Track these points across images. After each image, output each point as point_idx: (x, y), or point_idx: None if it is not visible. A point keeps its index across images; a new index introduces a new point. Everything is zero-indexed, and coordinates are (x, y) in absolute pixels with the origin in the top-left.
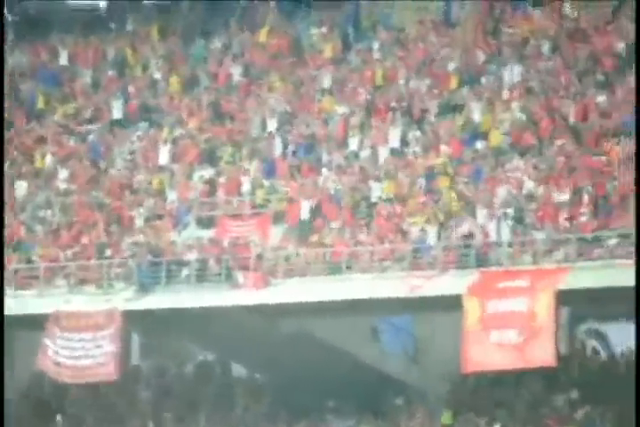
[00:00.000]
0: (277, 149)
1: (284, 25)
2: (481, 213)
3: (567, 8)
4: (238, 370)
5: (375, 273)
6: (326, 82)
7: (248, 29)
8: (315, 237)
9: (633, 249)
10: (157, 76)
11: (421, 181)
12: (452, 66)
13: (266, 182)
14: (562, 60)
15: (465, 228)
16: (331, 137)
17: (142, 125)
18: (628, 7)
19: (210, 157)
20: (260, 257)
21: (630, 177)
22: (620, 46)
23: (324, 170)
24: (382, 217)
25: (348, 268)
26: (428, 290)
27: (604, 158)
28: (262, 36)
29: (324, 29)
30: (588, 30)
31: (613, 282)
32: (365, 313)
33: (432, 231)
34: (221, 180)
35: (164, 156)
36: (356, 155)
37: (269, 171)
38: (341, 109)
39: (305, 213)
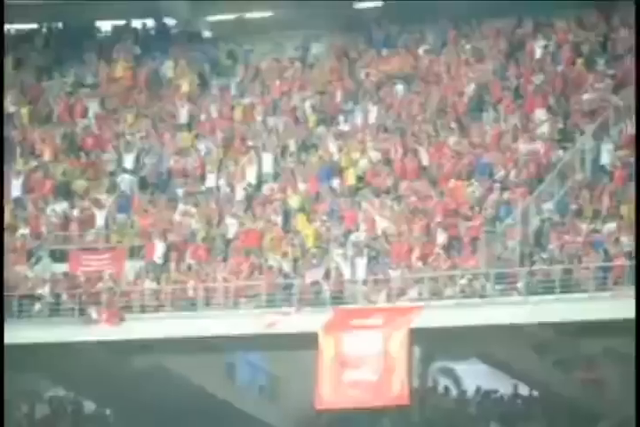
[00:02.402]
0: (133, 183)
1: (142, 59)
2: (336, 251)
3: (421, 51)
4: (90, 406)
5: (231, 310)
6: (183, 117)
7: (104, 62)
8: (170, 273)
9: (486, 287)
10: (11, 107)
11: (278, 218)
12: (308, 104)
13: (121, 217)
14: (416, 101)
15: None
16: (187, 172)
17: None
18: (478, 51)
19: (64, 191)
20: (114, 292)
21: (481, 220)
22: (472, 88)
23: (180, 205)
24: (238, 253)
25: (203, 304)
26: (284, 327)
27: (456, 199)
28: (118, 69)
29: (181, 64)
30: (442, 73)
31: (465, 321)
32: (221, 350)
33: (288, 268)
34: (75, 213)
35: (16, 188)
36: (212, 191)
37: (125, 205)
38: (199, 145)
39: (160, 249)
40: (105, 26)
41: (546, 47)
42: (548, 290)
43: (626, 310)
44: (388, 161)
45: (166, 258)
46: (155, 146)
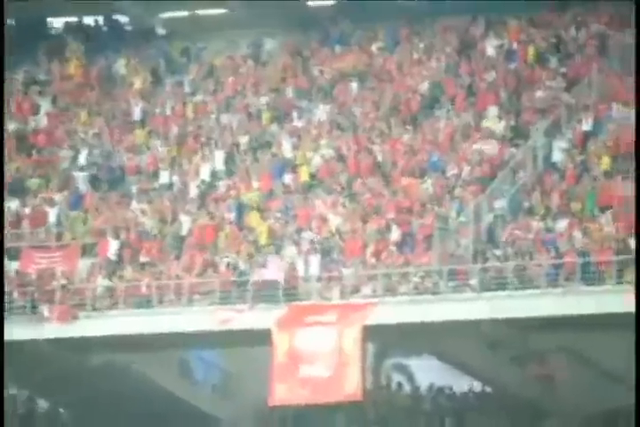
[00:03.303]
0: (86, 180)
1: (94, 56)
2: (290, 248)
3: (375, 48)
4: (43, 406)
5: (185, 307)
6: (136, 114)
7: (56, 60)
8: (123, 271)
9: (439, 284)
10: None
11: (232, 215)
12: (262, 101)
13: (73, 214)
14: (369, 98)
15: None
16: (141, 170)
17: None
18: (431, 49)
19: (16, 188)
20: (66, 290)
21: (434, 217)
22: (425, 87)
23: (133, 202)
24: (192, 250)
25: (157, 301)
26: (238, 324)
27: (409, 196)
28: (70, 66)
29: (134, 61)
30: (395, 71)
31: (418, 317)
32: (175, 347)
33: (242, 265)
34: (27, 211)
35: None
36: (166, 187)
37: (77, 202)
38: (152, 142)
39: (114, 246)
40: (57, 23)
41: (500, 46)
42: (501, 286)
43: (578, 307)
44: (341, 158)
45: (120, 255)
46: (107, 143)
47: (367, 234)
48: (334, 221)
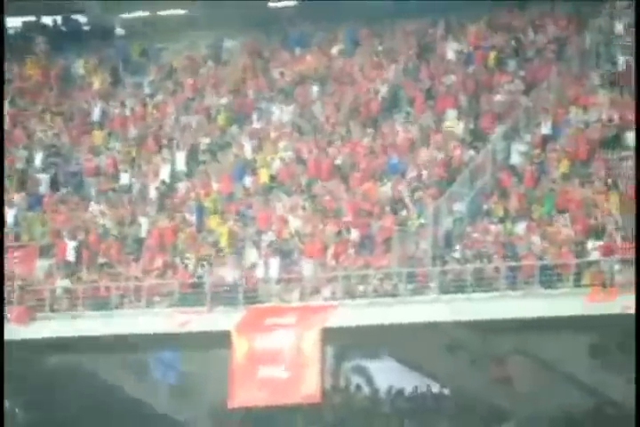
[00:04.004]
0: (45, 181)
1: (53, 56)
2: (250, 250)
3: (335, 50)
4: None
5: (144, 309)
6: (96, 115)
7: (15, 59)
8: (82, 272)
9: (398, 286)
10: None
11: (192, 217)
12: (222, 103)
13: (31, 215)
14: (329, 101)
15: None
16: (100, 171)
17: None
18: (390, 52)
19: None
20: (24, 291)
21: (393, 219)
22: (385, 90)
23: (92, 204)
24: (151, 252)
25: (116, 303)
26: (197, 326)
27: (369, 199)
28: (29, 66)
29: (93, 62)
30: (354, 73)
31: (378, 320)
32: (134, 349)
33: (201, 267)
34: None
35: None
36: (125, 189)
37: (35, 203)
38: (111, 143)
39: (72, 248)
40: (15, 22)
41: (458, 49)
42: (460, 289)
43: (536, 309)
44: (301, 160)
45: (78, 257)
46: (66, 144)
47: (327, 236)
48: (294, 223)
